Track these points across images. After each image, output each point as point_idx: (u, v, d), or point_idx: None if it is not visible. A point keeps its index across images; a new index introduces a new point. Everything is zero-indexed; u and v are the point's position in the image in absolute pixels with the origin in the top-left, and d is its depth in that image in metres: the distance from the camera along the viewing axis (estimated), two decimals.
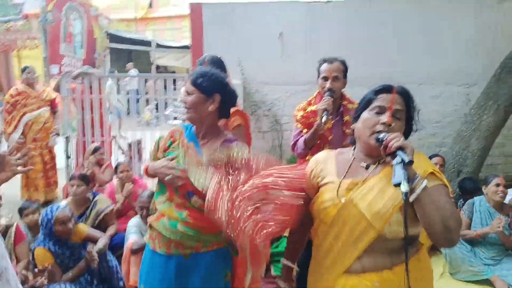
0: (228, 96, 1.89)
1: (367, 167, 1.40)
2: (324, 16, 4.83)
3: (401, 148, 1.24)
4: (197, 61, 2.82)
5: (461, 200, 4.09)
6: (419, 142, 4.95)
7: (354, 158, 1.45)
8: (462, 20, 4.81)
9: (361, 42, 4.79)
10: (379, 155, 1.35)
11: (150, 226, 1.94)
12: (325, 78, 2.49)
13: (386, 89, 1.40)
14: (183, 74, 5.85)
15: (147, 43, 13.97)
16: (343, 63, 2.57)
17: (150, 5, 21.24)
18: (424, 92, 4.89)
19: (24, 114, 4.78)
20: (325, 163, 1.49)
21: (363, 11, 4.84)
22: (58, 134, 4.90)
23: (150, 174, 1.96)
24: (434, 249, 3.82)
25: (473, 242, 3.47)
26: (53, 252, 2.79)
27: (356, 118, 1.45)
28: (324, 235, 1.42)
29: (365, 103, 1.42)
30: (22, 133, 4.76)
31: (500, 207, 3.45)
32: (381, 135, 1.30)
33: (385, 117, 1.34)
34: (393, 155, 1.25)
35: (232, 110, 1.98)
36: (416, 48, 4.82)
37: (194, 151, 1.84)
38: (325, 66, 2.54)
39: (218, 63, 2.62)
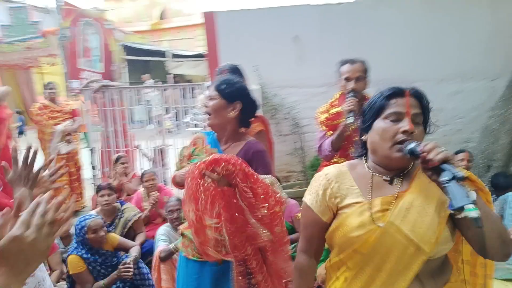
0: (249, 105, 1.94)
1: (391, 182, 1.24)
2: (336, 18, 4.81)
3: (446, 160, 1.06)
4: (216, 69, 2.83)
5: (493, 196, 3.99)
6: (444, 139, 4.85)
7: (372, 172, 1.27)
8: (478, 15, 4.71)
9: (374, 42, 4.73)
10: (402, 166, 1.23)
11: (182, 234, 1.98)
12: (348, 79, 2.48)
13: (398, 92, 1.23)
14: (200, 82, 5.89)
15: (163, 54, 14.14)
16: (364, 63, 2.57)
17: (163, 16, 21.59)
18: (445, 88, 4.80)
19: (54, 125, 4.94)
20: (341, 180, 1.28)
21: (374, 11, 4.79)
22: (69, 142, 4.97)
23: (177, 182, 2.02)
24: None
25: None
26: (85, 259, 2.88)
27: (366, 128, 1.27)
28: (361, 266, 1.20)
29: (376, 111, 1.24)
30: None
31: None
32: (410, 146, 1.14)
33: (405, 124, 1.17)
34: (436, 169, 1.08)
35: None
36: (432, 46, 4.74)
37: None
38: (347, 67, 2.52)
39: (237, 71, 2.64)
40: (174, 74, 13.95)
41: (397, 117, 1.20)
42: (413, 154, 1.13)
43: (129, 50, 14.16)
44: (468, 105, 4.81)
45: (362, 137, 1.30)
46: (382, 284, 1.17)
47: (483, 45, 4.73)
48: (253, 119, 2.05)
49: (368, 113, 1.27)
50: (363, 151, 1.33)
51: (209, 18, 4.93)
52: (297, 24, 4.81)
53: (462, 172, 1.03)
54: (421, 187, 1.20)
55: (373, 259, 1.18)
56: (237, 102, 1.89)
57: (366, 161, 1.32)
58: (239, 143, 1.92)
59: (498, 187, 3.96)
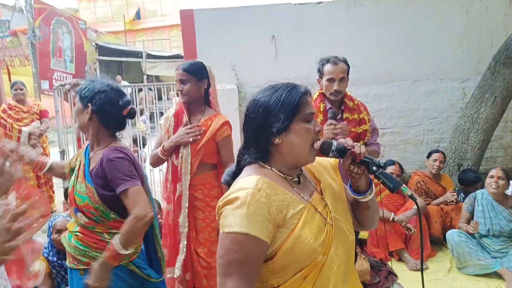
0: (104, 107, 1.83)
1: (299, 181, 1.21)
2: (314, 17, 4.83)
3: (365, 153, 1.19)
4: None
5: (462, 193, 4.09)
6: (417, 139, 4.96)
7: (286, 175, 1.19)
8: (451, 16, 4.84)
9: (352, 42, 4.79)
10: (303, 165, 1.23)
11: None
12: (332, 80, 2.45)
13: (307, 91, 1.19)
14: (174, 82, 5.80)
15: (138, 54, 13.93)
16: (346, 62, 2.54)
17: (139, 17, 21.27)
18: (419, 88, 4.91)
19: (20, 127, 4.75)
20: (275, 190, 1.11)
21: (353, 11, 4.85)
22: (34, 146, 4.79)
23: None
24: (441, 245, 3.81)
25: (479, 235, 3.46)
26: (50, 261, 2.78)
27: (279, 130, 1.13)
28: (320, 271, 1.11)
29: (293, 112, 1.13)
30: None
31: (503, 199, 3.43)
32: (337, 145, 1.18)
33: (317, 124, 1.18)
34: (361, 162, 1.17)
35: (220, 121, 2.39)
36: (407, 46, 4.83)
37: (83, 166, 1.87)
38: (329, 67, 2.47)
39: (199, 69, 2.45)
40: (148, 75, 13.75)
41: (312, 117, 1.17)
42: (342, 151, 1.18)
43: (103, 50, 13.89)
44: (440, 106, 4.93)
45: (276, 140, 1.14)
46: (337, 280, 1.13)
47: (455, 47, 4.85)
48: (221, 120, 2.41)
49: (282, 114, 1.12)
50: (263, 155, 1.17)
51: (187, 16, 4.87)
52: (275, 23, 4.82)
53: (379, 161, 1.20)
54: (322, 178, 1.27)
55: (330, 259, 1.13)
56: (87, 105, 1.85)
57: (267, 165, 1.17)
58: (102, 151, 1.84)
59: (467, 182, 4.08)
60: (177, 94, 2.48)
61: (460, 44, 4.85)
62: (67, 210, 3.72)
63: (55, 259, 2.81)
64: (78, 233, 1.82)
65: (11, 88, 5.00)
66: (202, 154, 2.38)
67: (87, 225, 1.80)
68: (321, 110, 2.51)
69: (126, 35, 17.37)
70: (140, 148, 5.37)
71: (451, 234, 3.44)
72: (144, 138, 5.59)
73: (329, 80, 2.47)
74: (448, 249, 3.56)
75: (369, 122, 2.60)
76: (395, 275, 3.35)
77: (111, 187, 1.76)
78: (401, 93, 4.90)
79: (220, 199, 1.12)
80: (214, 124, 2.37)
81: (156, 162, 2.58)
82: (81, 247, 1.80)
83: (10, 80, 8.67)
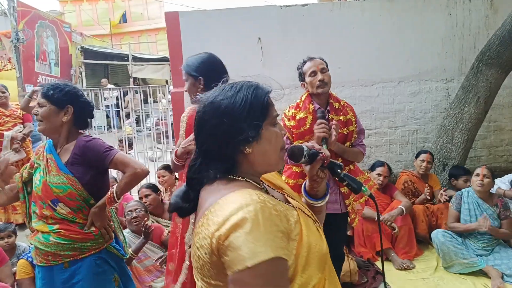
0: (82, 107, 2.03)
1: (266, 190, 1.09)
2: (300, 19, 4.85)
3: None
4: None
5: (452, 189, 4.14)
6: (402, 139, 5.00)
7: (262, 184, 1.10)
8: (435, 18, 4.90)
9: (337, 44, 4.82)
10: (271, 172, 1.12)
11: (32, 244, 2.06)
12: (314, 73, 2.50)
13: (269, 90, 1.07)
14: (162, 85, 5.77)
15: (124, 57, 13.82)
16: (322, 59, 2.61)
17: (125, 20, 21.13)
18: (403, 89, 4.96)
19: (2, 131, 4.65)
20: (275, 202, 0.96)
21: (337, 13, 4.88)
22: (16, 151, 4.70)
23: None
24: (426, 244, 3.85)
25: (463, 234, 3.49)
26: (35, 266, 2.73)
27: (250, 139, 0.98)
28: (318, 276, 1.00)
29: (261, 117, 1.00)
30: None
31: (488, 197, 3.48)
32: (309, 150, 1.13)
33: (282, 128, 1.07)
34: (326, 166, 1.17)
35: (188, 112, 2.17)
36: (391, 47, 4.88)
37: (53, 161, 1.97)
38: (308, 64, 2.55)
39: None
40: (135, 78, 13.66)
41: (277, 120, 1.06)
42: (314, 156, 1.15)
43: (89, 53, 13.74)
44: (425, 106, 4.98)
45: (246, 150, 0.99)
46: (329, 283, 1.04)
47: (439, 48, 4.91)
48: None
49: (250, 119, 0.98)
50: (231, 166, 1.01)
51: (172, 18, 4.84)
52: (261, 26, 4.82)
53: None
54: (277, 183, 1.21)
55: (327, 263, 1.06)
56: (68, 106, 1.98)
57: (238, 177, 1.01)
58: (71, 143, 2.00)
59: (457, 175, 4.14)
60: None
61: (443, 46, 4.92)
62: None
63: None
64: (59, 230, 1.93)
65: None
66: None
67: (68, 216, 1.93)
68: (311, 111, 2.51)
69: (112, 38, 17.22)
70: (127, 151, 5.32)
71: (436, 234, 3.47)
72: (130, 141, 5.54)
73: (311, 74, 2.51)
74: (434, 248, 3.59)
75: (355, 123, 2.61)
76: (383, 275, 3.36)
77: (91, 170, 1.96)
78: (386, 94, 4.94)
79: (211, 229, 0.88)
80: (185, 121, 2.19)
81: (174, 167, 2.32)
82: (65, 242, 1.92)
83: None
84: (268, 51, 4.74)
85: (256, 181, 1.05)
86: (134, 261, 3.06)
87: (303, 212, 1.06)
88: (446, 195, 3.85)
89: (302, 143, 1.20)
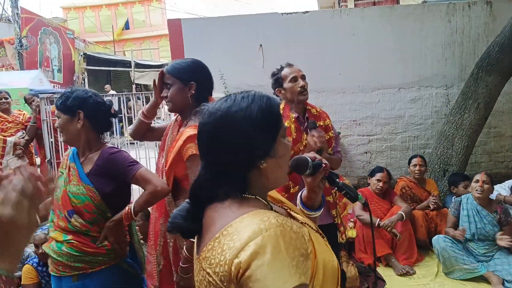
0: (94, 111, 1.94)
1: (271, 207, 1.04)
2: (301, 26, 4.90)
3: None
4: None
5: (454, 196, 4.15)
6: (402, 145, 5.02)
7: (269, 202, 1.04)
8: (435, 25, 4.94)
9: (338, 51, 4.87)
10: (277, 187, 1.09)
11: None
12: (295, 79, 2.41)
13: (280, 100, 1.08)
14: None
15: (126, 64, 13.91)
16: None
17: (127, 27, 21.28)
18: (404, 96, 4.99)
19: (5, 138, 4.69)
20: (291, 224, 0.89)
21: (338, 21, 4.93)
22: (19, 156, 4.74)
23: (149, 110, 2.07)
24: (427, 249, 3.85)
25: (464, 239, 3.50)
26: (40, 271, 2.80)
27: (266, 153, 0.93)
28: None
29: (276, 129, 0.96)
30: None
31: (488, 203, 3.48)
32: (310, 161, 1.11)
33: (288, 139, 1.03)
34: (325, 176, 1.15)
35: (185, 135, 1.80)
36: (392, 54, 4.92)
37: (75, 170, 1.92)
38: (287, 70, 2.45)
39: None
40: (137, 84, 13.74)
41: (285, 131, 1.01)
42: (318, 167, 1.13)
43: (91, 60, 13.84)
44: (425, 113, 5.01)
45: (263, 165, 0.93)
46: None
47: (439, 54, 4.95)
48: (185, 136, 1.82)
49: (267, 132, 0.94)
50: (244, 184, 0.95)
51: (174, 26, 4.89)
52: (263, 33, 4.87)
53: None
54: (277, 196, 1.16)
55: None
56: (78, 112, 1.91)
57: (249, 195, 0.95)
58: (96, 153, 1.94)
59: (456, 182, 4.15)
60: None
61: (443, 52, 4.96)
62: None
63: (44, 269, 2.79)
64: (72, 241, 1.87)
65: None
66: (173, 179, 1.90)
67: (82, 229, 1.87)
68: (292, 120, 2.41)
69: (114, 45, 17.34)
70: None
71: (436, 240, 3.48)
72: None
73: (292, 80, 2.41)
74: (434, 254, 3.59)
75: (332, 129, 2.55)
76: (383, 281, 3.37)
77: (113, 183, 1.89)
78: (387, 101, 4.97)
79: (227, 255, 0.82)
80: (180, 140, 1.84)
81: (136, 129, 2.21)
82: (77, 253, 1.86)
83: None
84: (270, 58, 4.78)
85: (265, 198, 1.00)
86: None
87: (311, 227, 1.02)
88: (433, 202, 3.90)
89: (301, 155, 1.17)
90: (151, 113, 2.10)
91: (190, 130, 1.78)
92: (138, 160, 2.01)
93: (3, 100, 4.84)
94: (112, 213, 1.92)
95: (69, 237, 1.87)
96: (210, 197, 0.95)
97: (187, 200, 1.01)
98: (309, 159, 1.11)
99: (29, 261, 2.91)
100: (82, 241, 1.87)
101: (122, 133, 7.03)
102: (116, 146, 2.04)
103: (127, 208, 1.89)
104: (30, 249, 3.46)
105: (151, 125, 2.17)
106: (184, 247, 1.70)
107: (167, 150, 1.95)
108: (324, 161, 1.14)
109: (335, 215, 2.47)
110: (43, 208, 0.88)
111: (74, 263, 1.86)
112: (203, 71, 1.92)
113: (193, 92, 1.85)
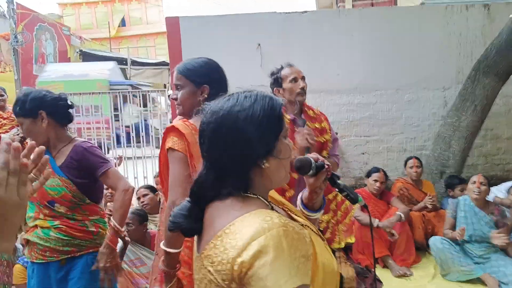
0: (54, 109, 2.00)
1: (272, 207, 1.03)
2: (299, 26, 4.89)
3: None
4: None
5: (449, 198, 4.16)
6: (400, 146, 5.02)
7: (269, 202, 1.02)
8: (432, 27, 4.95)
9: (336, 51, 4.86)
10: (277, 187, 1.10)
11: (27, 242, 2.06)
12: (295, 79, 2.40)
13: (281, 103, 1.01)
14: (161, 89, 5.79)
15: (122, 61, 13.84)
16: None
17: (124, 24, 21.18)
18: (401, 97, 4.98)
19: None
20: (293, 225, 0.89)
21: (336, 21, 4.92)
22: None
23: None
24: (424, 251, 3.86)
25: (461, 241, 3.51)
26: None
27: (268, 153, 0.95)
28: None
29: (278, 129, 0.97)
30: None
31: (485, 205, 3.50)
32: (315, 162, 1.13)
33: (289, 140, 1.04)
34: (327, 178, 1.16)
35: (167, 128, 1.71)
36: (390, 55, 4.91)
37: (49, 166, 1.90)
38: (287, 70, 2.44)
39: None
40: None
41: (287, 132, 1.03)
42: (321, 168, 1.14)
43: (87, 56, 13.76)
44: (422, 114, 5.01)
45: (265, 164, 0.94)
46: None
47: (436, 57, 4.95)
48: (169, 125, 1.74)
49: (269, 132, 0.95)
50: (246, 183, 0.96)
51: (173, 23, 4.86)
52: (261, 32, 4.85)
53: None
54: (276, 197, 1.17)
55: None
56: (39, 112, 1.96)
57: (251, 194, 0.96)
58: (67, 146, 2.02)
59: (453, 184, 4.16)
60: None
61: (441, 54, 4.96)
62: None
63: None
64: (60, 226, 1.96)
65: None
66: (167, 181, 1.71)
67: (67, 214, 1.97)
68: (287, 122, 2.36)
69: (111, 42, 17.25)
70: (125, 157, 5.32)
71: (434, 241, 3.48)
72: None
73: (292, 80, 2.40)
74: (432, 255, 3.60)
75: (330, 131, 2.53)
76: (381, 282, 3.37)
77: (85, 174, 1.98)
78: (384, 102, 4.97)
79: (230, 254, 0.83)
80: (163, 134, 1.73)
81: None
82: (65, 237, 1.96)
83: None
84: (268, 57, 4.76)
85: (266, 198, 1.00)
86: (126, 265, 3.04)
87: (312, 230, 1.02)
88: (431, 202, 3.91)
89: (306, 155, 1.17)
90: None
91: (173, 123, 1.70)
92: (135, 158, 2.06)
93: (2, 96, 4.80)
94: (90, 199, 2.03)
95: (56, 222, 1.96)
96: (211, 195, 0.96)
97: (187, 198, 1.01)
98: (312, 160, 1.12)
99: (19, 261, 2.88)
100: (70, 225, 1.97)
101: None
102: (89, 142, 2.12)
103: (110, 230, 1.97)
104: (18, 244, 3.37)
105: None
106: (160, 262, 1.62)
107: None
108: (327, 162, 1.15)
109: (323, 221, 2.44)
110: (38, 182, 0.86)
111: (63, 247, 1.96)
112: (217, 73, 1.80)
113: (206, 96, 1.71)
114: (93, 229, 2.02)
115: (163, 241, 1.59)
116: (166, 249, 1.53)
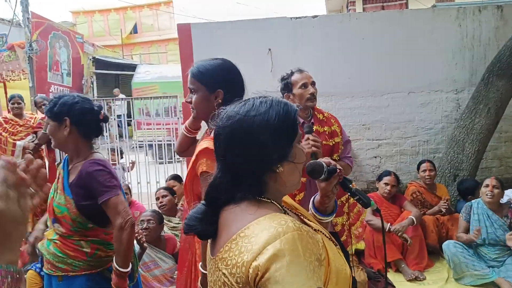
0: (80, 117, 1.91)
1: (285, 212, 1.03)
2: (309, 31, 4.90)
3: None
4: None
5: (463, 201, 4.11)
6: (412, 150, 4.99)
7: (283, 207, 1.03)
8: (445, 29, 4.91)
9: (347, 55, 4.85)
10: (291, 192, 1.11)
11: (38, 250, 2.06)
12: (305, 85, 2.41)
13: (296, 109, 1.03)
14: (173, 95, 5.85)
15: (134, 68, 14.02)
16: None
17: (136, 31, 21.44)
18: (414, 100, 4.96)
19: (15, 141, 4.75)
20: (307, 229, 0.91)
21: (347, 25, 4.92)
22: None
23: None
24: (437, 255, 3.82)
25: (474, 245, 3.47)
26: (43, 276, 2.77)
27: (283, 158, 0.96)
28: None
29: (293, 134, 0.99)
30: None
31: (498, 208, 3.46)
32: (327, 166, 1.15)
33: (303, 145, 1.09)
34: (339, 182, 1.18)
35: (198, 149, 1.63)
36: (401, 58, 4.88)
37: (62, 178, 1.92)
38: (297, 75, 2.45)
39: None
40: None
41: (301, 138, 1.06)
42: (333, 172, 1.15)
43: (100, 64, 13.96)
44: (435, 117, 4.97)
45: (279, 169, 0.95)
46: None
47: (449, 59, 4.92)
48: (200, 148, 1.63)
49: (284, 136, 0.96)
50: (260, 187, 0.97)
51: (184, 30, 4.92)
52: (272, 37, 4.87)
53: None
54: (289, 201, 1.17)
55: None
56: (64, 119, 1.89)
57: (265, 198, 0.97)
58: (80, 163, 1.91)
59: (466, 192, 4.10)
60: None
61: (453, 57, 4.93)
62: None
63: None
64: (56, 241, 1.89)
65: (9, 101, 5.02)
66: (192, 194, 1.72)
67: (64, 235, 1.89)
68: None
69: (123, 49, 17.48)
70: (138, 160, 5.38)
71: (447, 245, 3.45)
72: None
73: (302, 86, 2.41)
74: (445, 259, 3.56)
75: (341, 134, 2.53)
76: (393, 286, 3.35)
77: (91, 197, 1.84)
78: (396, 105, 4.95)
79: (245, 258, 0.84)
80: (194, 154, 1.66)
81: (181, 143, 2.11)
82: (60, 254, 1.87)
83: (6, 93, 8.70)
84: (278, 62, 4.78)
85: (280, 202, 1.01)
86: (140, 269, 3.07)
87: (325, 235, 1.03)
88: (445, 204, 3.86)
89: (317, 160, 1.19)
90: (195, 126, 1.96)
91: (204, 143, 1.61)
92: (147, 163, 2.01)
93: (16, 105, 4.89)
94: (93, 223, 1.88)
95: (56, 237, 1.90)
96: (226, 199, 0.97)
97: (202, 202, 1.02)
98: (324, 164, 1.14)
99: (32, 267, 2.88)
100: (65, 242, 1.88)
101: (130, 136, 7.08)
102: (102, 162, 1.92)
103: (114, 274, 1.82)
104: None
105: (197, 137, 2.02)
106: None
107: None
108: (339, 166, 1.17)
109: (338, 223, 2.45)
110: (38, 195, 0.88)
111: (58, 264, 1.88)
112: (233, 76, 1.73)
113: (220, 101, 1.64)
114: (87, 250, 1.87)
115: (201, 263, 1.57)
116: (203, 271, 1.51)
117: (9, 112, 5.05)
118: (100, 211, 1.85)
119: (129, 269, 1.83)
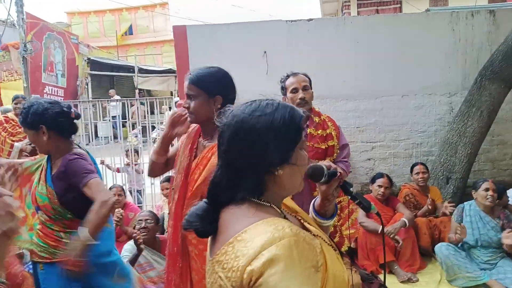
0: (55, 122, 2.02)
1: (285, 216, 1.04)
2: (305, 34, 4.93)
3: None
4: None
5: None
6: (406, 152, 5.03)
7: (281, 210, 1.03)
8: (438, 33, 4.96)
9: (341, 58, 4.89)
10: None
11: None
12: (295, 90, 2.47)
13: (304, 113, 1.04)
14: (168, 97, 5.85)
15: (129, 69, 13.99)
16: (306, 75, 2.58)
17: (131, 32, 21.41)
18: (407, 103, 4.99)
19: (13, 142, 4.73)
20: (304, 235, 0.91)
21: (342, 28, 4.95)
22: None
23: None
24: (430, 257, 3.85)
25: (466, 247, 3.50)
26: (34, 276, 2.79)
27: (283, 161, 0.96)
28: None
29: (295, 139, 0.99)
30: None
31: (491, 210, 3.50)
32: (328, 170, 1.15)
33: (305, 152, 1.05)
34: (339, 185, 1.19)
35: (210, 143, 1.76)
36: (395, 62, 4.92)
37: (45, 170, 2.07)
38: (290, 79, 2.52)
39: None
40: (140, 89, 13.80)
41: (304, 143, 1.05)
42: (333, 175, 1.16)
43: (95, 65, 13.92)
44: (428, 120, 5.01)
45: (279, 172, 0.96)
46: None
47: (442, 62, 4.97)
48: (210, 144, 1.76)
49: (286, 140, 0.96)
50: (259, 189, 0.98)
51: (180, 33, 4.93)
52: (267, 40, 4.89)
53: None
54: (290, 204, 1.18)
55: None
56: (40, 126, 2.00)
57: (263, 201, 0.97)
58: (60, 159, 2.05)
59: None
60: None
61: (446, 60, 4.97)
62: None
63: None
64: (39, 232, 2.04)
65: (12, 101, 5.03)
66: (201, 195, 1.69)
67: (47, 223, 2.02)
68: None
69: (118, 50, 17.43)
70: (132, 161, 5.37)
71: (439, 248, 3.48)
72: (136, 152, 5.60)
73: (293, 91, 2.48)
74: (437, 261, 3.59)
75: (337, 137, 2.56)
76: None
77: (71, 187, 1.97)
78: (390, 108, 4.98)
79: (241, 262, 0.84)
80: (214, 158, 1.70)
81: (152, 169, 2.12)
82: (42, 244, 2.02)
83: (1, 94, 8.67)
84: (273, 65, 4.81)
85: (279, 206, 1.02)
86: (136, 271, 3.07)
87: (324, 240, 1.03)
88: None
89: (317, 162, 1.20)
90: (164, 150, 1.99)
91: None
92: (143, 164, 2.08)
93: (19, 105, 4.88)
94: (72, 214, 2.00)
95: (39, 226, 2.06)
96: (226, 198, 0.97)
97: (204, 200, 1.02)
98: (324, 167, 1.14)
99: (25, 268, 2.83)
100: (46, 232, 2.02)
101: (125, 138, 7.05)
102: (79, 153, 2.07)
103: (79, 240, 1.83)
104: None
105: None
106: None
107: (193, 167, 1.79)
108: (339, 170, 1.19)
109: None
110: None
111: (40, 253, 2.02)
112: (229, 82, 1.85)
113: (219, 106, 1.73)
114: (67, 240, 1.97)
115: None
116: None
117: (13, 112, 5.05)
118: (80, 202, 1.94)
119: (93, 242, 1.86)
